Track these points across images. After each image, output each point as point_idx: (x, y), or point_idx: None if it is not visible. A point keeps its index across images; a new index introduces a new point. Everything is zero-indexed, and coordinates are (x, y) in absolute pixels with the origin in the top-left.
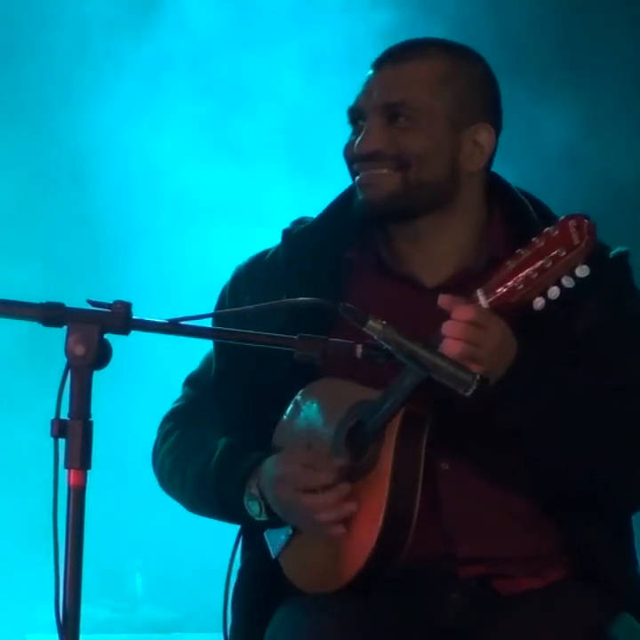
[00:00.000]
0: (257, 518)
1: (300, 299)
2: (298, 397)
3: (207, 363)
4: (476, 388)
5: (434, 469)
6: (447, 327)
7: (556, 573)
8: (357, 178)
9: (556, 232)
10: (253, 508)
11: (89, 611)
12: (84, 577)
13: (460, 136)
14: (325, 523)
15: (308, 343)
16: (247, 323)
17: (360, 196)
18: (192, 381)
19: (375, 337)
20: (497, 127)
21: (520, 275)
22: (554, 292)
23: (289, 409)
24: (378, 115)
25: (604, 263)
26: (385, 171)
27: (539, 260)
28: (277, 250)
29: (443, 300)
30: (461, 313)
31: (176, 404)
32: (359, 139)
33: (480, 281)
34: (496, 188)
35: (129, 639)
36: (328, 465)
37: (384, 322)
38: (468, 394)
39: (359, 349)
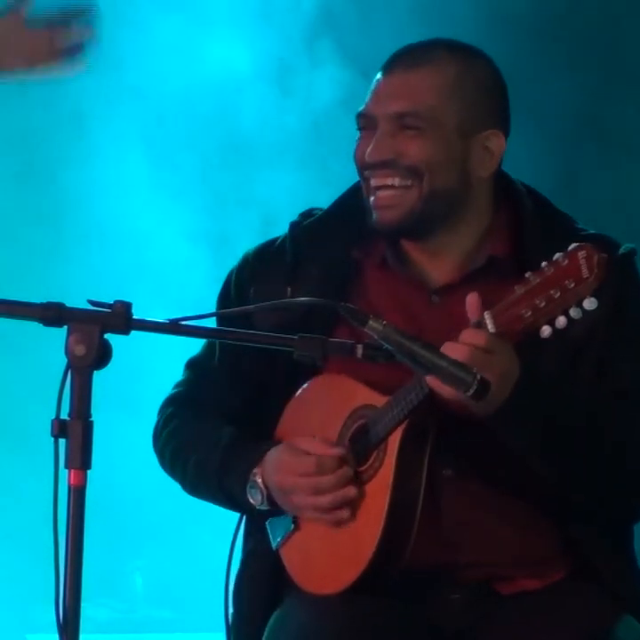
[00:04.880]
0: (258, 507)
1: (301, 299)
2: (302, 391)
3: (210, 346)
4: (477, 388)
5: (436, 476)
6: (451, 350)
7: (557, 574)
8: (372, 199)
9: (566, 262)
10: (255, 497)
11: (89, 611)
12: (84, 577)
13: (470, 142)
14: (326, 506)
15: (308, 343)
16: (249, 315)
17: (375, 216)
18: (194, 365)
19: (375, 337)
20: (506, 131)
21: (527, 302)
22: (561, 322)
23: (293, 400)
24: (388, 123)
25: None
26: (397, 179)
27: (547, 290)
28: (284, 240)
29: (470, 300)
30: (470, 337)
31: (177, 389)
32: (370, 147)
33: (481, 279)
34: (506, 191)
35: (129, 639)
36: (330, 454)
37: (384, 322)
38: (468, 394)
39: (359, 349)
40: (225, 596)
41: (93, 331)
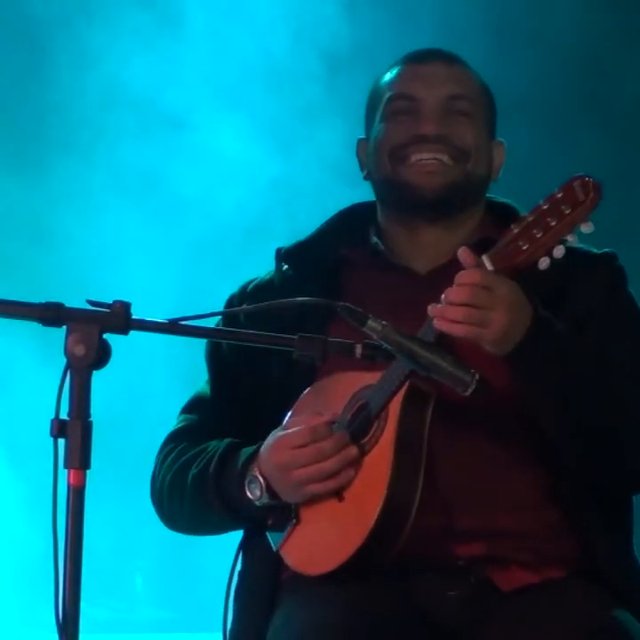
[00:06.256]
0: (258, 502)
1: (299, 299)
2: (301, 398)
3: (201, 390)
4: (476, 387)
5: (432, 441)
6: (450, 293)
7: (556, 572)
8: (412, 170)
9: (561, 194)
10: (254, 491)
11: (89, 611)
12: (83, 577)
13: (492, 144)
14: (330, 470)
15: (308, 343)
16: (242, 326)
17: (416, 182)
18: (188, 408)
19: (374, 337)
20: None
21: (525, 235)
22: (559, 251)
23: (292, 409)
24: (440, 104)
25: (595, 256)
26: (446, 157)
27: (543, 220)
28: (269, 273)
29: (462, 253)
30: (466, 277)
31: (174, 428)
32: (424, 122)
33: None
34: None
35: (129, 639)
36: (321, 421)
37: (383, 321)
38: (467, 393)
39: (359, 349)
40: (224, 611)
41: (93, 331)
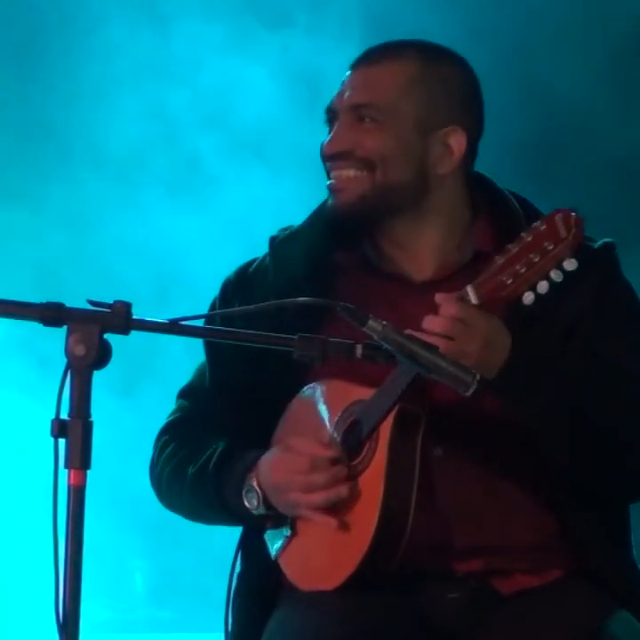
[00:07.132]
0: (255, 512)
1: (300, 299)
2: (296, 400)
3: (200, 373)
4: (477, 388)
5: (427, 456)
6: (429, 322)
7: (555, 572)
8: (329, 182)
9: (544, 226)
10: (251, 501)
11: (89, 611)
12: (84, 577)
13: (428, 138)
14: (318, 504)
15: (308, 343)
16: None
17: (330, 201)
18: (186, 393)
19: (375, 337)
20: (471, 130)
21: (508, 269)
22: (543, 286)
23: (287, 410)
24: (347, 115)
25: (590, 254)
26: (352, 171)
27: (527, 255)
28: (264, 258)
29: (438, 297)
30: (446, 309)
31: (171, 417)
32: (328, 139)
33: (467, 273)
34: (482, 188)
35: (129, 639)
36: (324, 455)
37: (384, 322)
38: (467, 394)
39: (359, 349)
40: (226, 612)
41: (93, 331)
